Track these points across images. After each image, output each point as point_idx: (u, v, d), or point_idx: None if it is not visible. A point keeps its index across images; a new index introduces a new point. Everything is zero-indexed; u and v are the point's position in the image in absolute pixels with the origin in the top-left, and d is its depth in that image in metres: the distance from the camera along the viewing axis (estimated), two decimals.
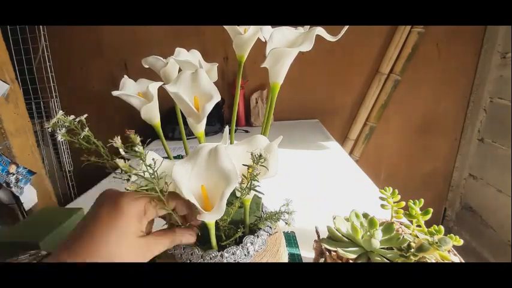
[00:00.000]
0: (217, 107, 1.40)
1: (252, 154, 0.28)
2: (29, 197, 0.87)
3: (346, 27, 0.28)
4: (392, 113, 1.48)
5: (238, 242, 0.34)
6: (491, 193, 1.34)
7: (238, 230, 0.33)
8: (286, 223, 0.35)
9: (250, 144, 0.32)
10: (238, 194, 0.31)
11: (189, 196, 0.25)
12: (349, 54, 1.43)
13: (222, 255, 0.32)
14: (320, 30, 0.29)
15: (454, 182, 1.58)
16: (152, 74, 0.41)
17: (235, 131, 1.59)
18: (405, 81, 1.41)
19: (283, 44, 0.30)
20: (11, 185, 0.66)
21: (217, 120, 1.36)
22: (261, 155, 0.28)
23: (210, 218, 0.27)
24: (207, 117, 0.32)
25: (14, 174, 0.66)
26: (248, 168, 0.29)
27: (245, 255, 0.33)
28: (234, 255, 0.32)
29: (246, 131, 1.37)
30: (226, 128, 0.33)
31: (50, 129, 0.32)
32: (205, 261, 0.32)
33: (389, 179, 1.60)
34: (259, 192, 0.32)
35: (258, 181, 0.30)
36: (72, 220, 0.52)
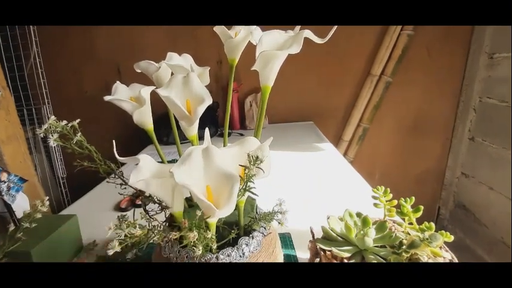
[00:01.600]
0: (212, 110, 1.40)
1: (248, 155, 0.29)
2: (21, 204, 0.86)
3: (334, 27, 0.28)
4: (385, 114, 1.50)
5: (233, 243, 0.34)
6: (483, 191, 1.36)
7: (232, 231, 0.33)
8: (279, 223, 0.36)
9: (242, 146, 0.32)
10: None
11: (202, 197, 0.25)
12: (341, 57, 1.45)
13: (217, 257, 0.32)
14: (308, 33, 0.29)
15: (447, 181, 1.60)
16: (146, 79, 0.41)
17: (229, 135, 1.57)
18: (396, 82, 1.44)
19: (273, 47, 0.31)
20: (3, 193, 0.64)
21: (212, 124, 1.36)
22: (257, 157, 0.29)
23: (221, 215, 0.27)
24: (201, 120, 0.32)
25: (5, 182, 0.65)
26: (244, 169, 0.29)
27: (240, 256, 0.33)
28: (229, 256, 0.32)
29: (241, 134, 1.37)
30: (207, 130, 0.33)
31: (42, 135, 0.31)
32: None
33: (383, 179, 1.62)
34: (253, 193, 0.32)
35: (253, 182, 0.30)
36: (65, 227, 0.51)
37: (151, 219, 0.33)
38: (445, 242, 0.34)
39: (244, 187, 0.30)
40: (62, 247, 0.51)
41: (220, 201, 0.28)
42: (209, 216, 0.27)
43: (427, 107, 1.50)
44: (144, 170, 0.30)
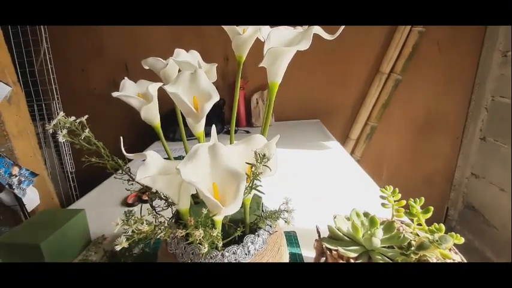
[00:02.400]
0: (218, 107, 1.40)
1: (255, 153, 0.29)
2: (31, 198, 0.88)
3: (343, 26, 0.28)
4: (394, 112, 1.48)
5: (238, 241, 0.34)
6: (494, 192, 1.33)
7: (238, 229, 0.33)
8: (286, 221, 0.35)
9: (249, 143, 0.32)
10: None
11: (208, 195, 0.25)
12: (349, 54, 1.43)
13: (222, 255, 0.32)
14: (317, 29, 0.29)
15: (456, 181, 1.57)
16: (154, 76, 0.41)
17: (236, 132, 1.57)
18: (406, 80, 1.41)
19: (281, 43, 0.30)
20: (14, 187, 0.66)
21: (218, 121, 1.36)
22: (264, 155, 0.29)
23: (227, 212, 0.27)
24: (208, 117, 0.32)
25: (16, 176, 0.67)
26: (251, 167, 0.29)
27: (246, 254, 0.33)
28: (234, 254, 0.32)
29: (247, 132, 1.37)
30: (213, 127, 0.33)
31: (51, 131, 0.32)
32: (206, 260, 0.32)
33: (391, 179, 1.59)
34: (259, 191, 0.32)
35: (259, 180, 0.30)
36: (73, 221, 0.52)
37: (158, 215, 0.33)
38: (454, 244, 0.33)
39: (250, 185, 0.29)
40: (71, 241, 0.51)
41: (226, 198, 0.28)
42: (215, 214, 0.27)
43: (437, 105, 1.47)
44: (150, 166, 0.30)
